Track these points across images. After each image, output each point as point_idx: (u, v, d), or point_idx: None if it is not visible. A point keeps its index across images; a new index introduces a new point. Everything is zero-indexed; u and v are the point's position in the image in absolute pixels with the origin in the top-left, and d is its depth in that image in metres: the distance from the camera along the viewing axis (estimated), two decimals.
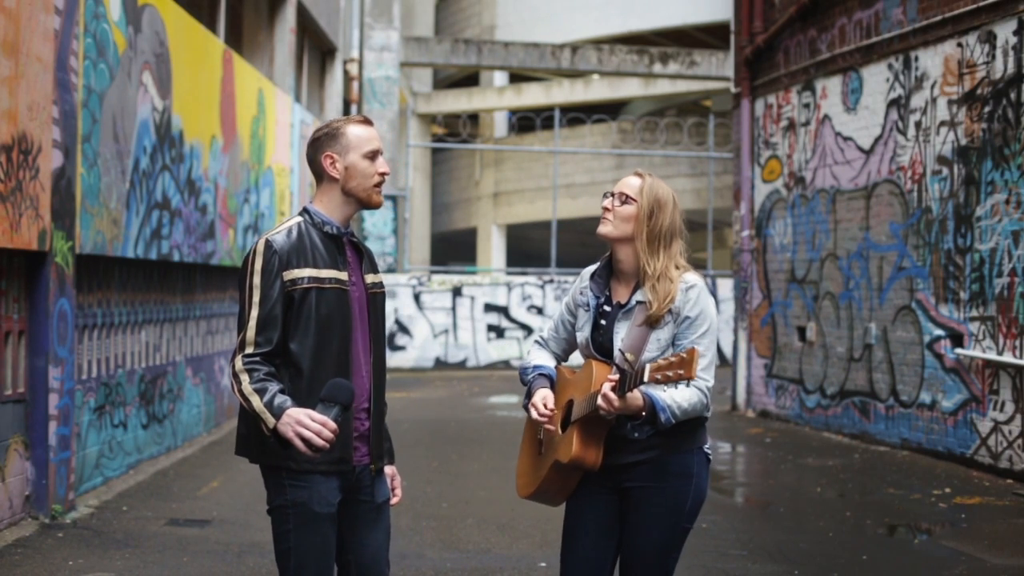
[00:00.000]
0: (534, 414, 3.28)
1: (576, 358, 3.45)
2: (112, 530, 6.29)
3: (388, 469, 3.31)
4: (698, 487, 3.26)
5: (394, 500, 3.32)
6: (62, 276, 6.50)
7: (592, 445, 3.18)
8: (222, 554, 5.81)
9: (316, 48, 16.39)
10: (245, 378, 3.02)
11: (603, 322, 3.31)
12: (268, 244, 3.08)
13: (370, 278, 3.26)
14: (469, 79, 27.46)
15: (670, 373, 2.91)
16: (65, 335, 6.56)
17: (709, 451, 3.35)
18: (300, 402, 3.00)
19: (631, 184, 3.32)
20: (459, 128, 20.79)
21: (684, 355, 2.90)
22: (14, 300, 6.22)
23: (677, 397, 3.12)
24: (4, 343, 6.13)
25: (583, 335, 3.35)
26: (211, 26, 10.92)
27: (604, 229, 3.32)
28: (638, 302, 3.25)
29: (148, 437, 8.49)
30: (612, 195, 3.33)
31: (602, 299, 3.34)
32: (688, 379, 2.90)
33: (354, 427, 3.14)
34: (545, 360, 3.48)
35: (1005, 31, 8.28)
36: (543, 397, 3.30)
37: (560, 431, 3.28)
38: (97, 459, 7.45)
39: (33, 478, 6.34)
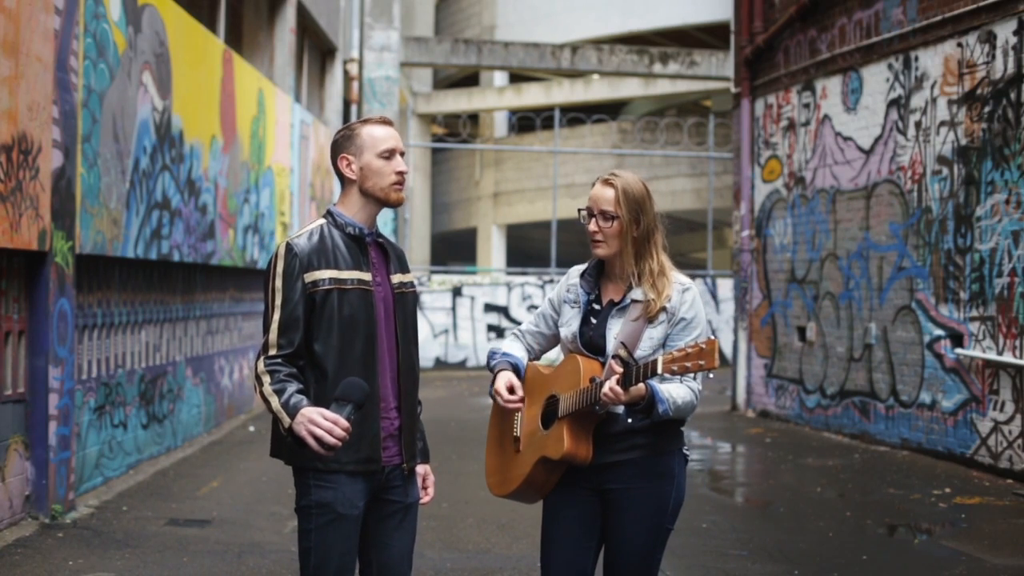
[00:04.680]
0: (500, 401, 3.30)
1: (549, 357, 3.44)
2: (112, 530, 6.29)
3: (420, 468, 3.32)
4: (679, 488, 3.28)
5: (425, 499, 3.33)
6: (62, 276, 6.50)
7: (583, 440, 3.18)
8: (222, 554, 5.81)
9: (316, 48, 16.38)
10: (267, 379, 3.04)
11: (593, 319, 3.31)
12: (289, 247, 3.12)
13: (397, 278, 3.26)
14: (469, 79, 27.45)
15: (688, 364, 2.91)
16: (65, 335, 6.56)
17: (687, 452, 3.37)
18: (326, 403, 3.01)
19: (607, 197, 3.25)
20: (459, 128, 20.80)
21: (703, 345, 2.89)
22: (14, 300, 6.22)
23: (674, 393, 3.13)
24: (4, 343, 6.13)
25: (569, 329, 3.33)
26: (211, 26, 10.92)
27: (600, 252, 3.28)
28: (633, 300, 3.25)
29: (148, 437, 8.49)
30: (593, 214, 3.27)
31: (592, 296, 3.33)
32: (711, 369, 2.89)
33: (383, 427, 3.15)
34: (516, 350, 3.48)
35: (1005, 31, 8.28)
36: (506, 381, 3.31)
37: (542, 427, 3.28)
38: (97, 459, 7.45)
39: (33, 478, 6.34)
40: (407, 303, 3.28)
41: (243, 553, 5.82)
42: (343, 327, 3.09)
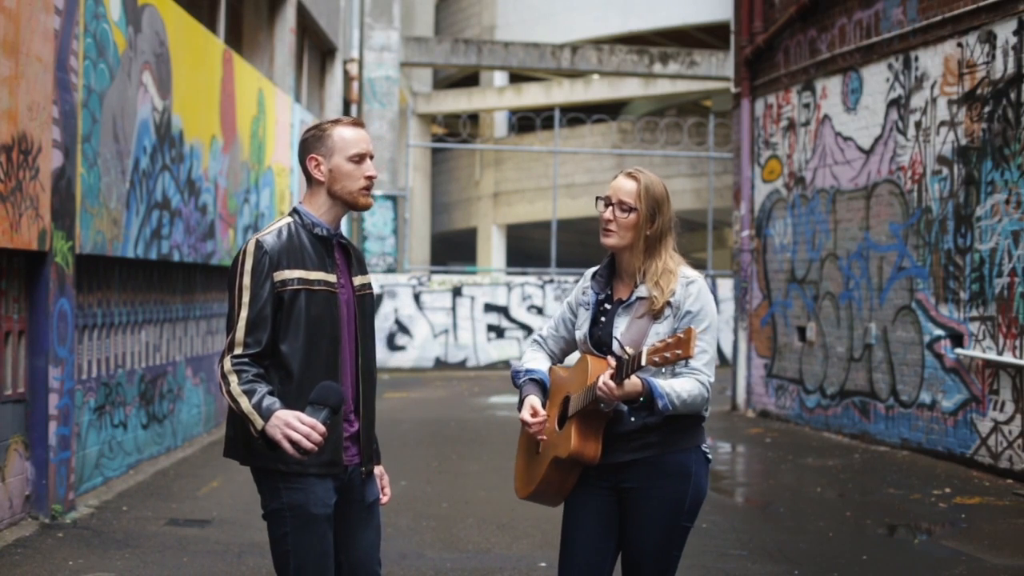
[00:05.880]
0: (527, 428, 3.28)
1: (573, 360, 3.44)
2: (112, 530, 6.29)
3: (377, 469, 3.30)
4: (696, 486, 3.25)
5: (384, 499, 3.31)
6: (62, 276, 6.50)
7: (591, 439, 3.17)
8: (222, 554, 5.80)
9: (316, 48, 16.39)
10: (234, 379, 3.00)
11: (603, 318, 3.31)
12: (259, 244, 3.07)
13: (358, 280, 3.24)
14: (469, 79, 27.46)
15: (667, 354, 2.91)
16: (65, 335, 6.56)
17: (708, 451, 3.34)
18: (289, 404, 2.98)
19: (628, 190, 3.26)
20: (459, 128, 20.81)
21: (681, 335, 2.90)
22: (14, 300, 6.22)
23: (677, 386, 3.12)
24: (4, 343, 6.13)
25: (581, 332, 3.35)
26: (211, 26, 10.92)
27: (610, 241, 3.28)
28: (639, 297, 3.25)
29: (148, 437, 8.49)
30: (610, 203, 3.29)
31: (603, 296, 3.34)
32: (687, 358, 2.89)
33: (344, 429, 3.13)
34: (539, 363, 3.46)
35: (1005, 31, 8.28)
36: (530, 407, 3.29)
37: (557, 428, 3.28)
38: (97, 459, 7.45)
39: (33, 478, 6.34)
40: (366, 305, 3.26)
41: (243, 553, 5.82)
42: (310, 329, 3.05)
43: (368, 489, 3.22)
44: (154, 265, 8.58)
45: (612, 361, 3.08)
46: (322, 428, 2.91)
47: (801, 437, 10.41)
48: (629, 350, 3.07)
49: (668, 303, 3.21)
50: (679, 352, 2.89)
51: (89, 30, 6.83)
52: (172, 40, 8.39)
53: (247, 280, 3.05)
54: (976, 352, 8.51)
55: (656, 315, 3.20)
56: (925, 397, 9.19)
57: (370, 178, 3.16)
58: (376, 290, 16.62)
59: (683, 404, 3.12)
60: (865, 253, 10.13)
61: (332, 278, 3.13)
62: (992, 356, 8.30)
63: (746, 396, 12.23)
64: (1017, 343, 8.09)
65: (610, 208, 3.28)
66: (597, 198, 3.34)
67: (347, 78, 18.07)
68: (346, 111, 18.40)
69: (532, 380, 3.38)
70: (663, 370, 3.15)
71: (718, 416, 11.98)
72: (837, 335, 10.55)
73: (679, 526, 3.25)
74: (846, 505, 7.35)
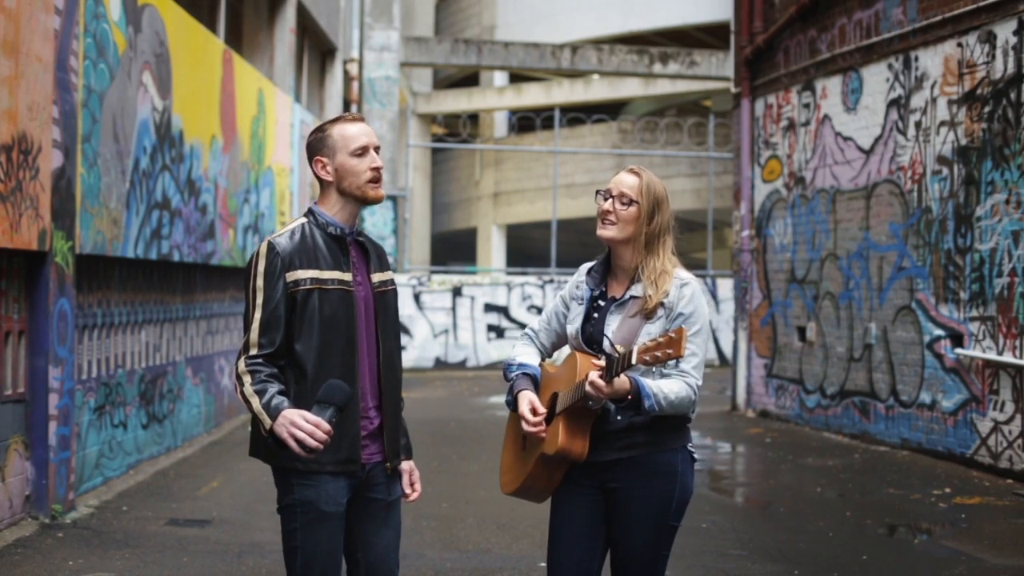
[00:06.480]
0: (526, 426, 3.25)
1: (562, 355, 3.44)
2: (112, 530, 6.30)
3: (405, 464, 3.31)
4: (683, 485, 3.27)
5: (413, 496, 3.32)
6: (62, 276, 6.50)
7: (578, 436, 3.18)
8: (222, 554, 5.81)
9: (316, 48, 16.39)
10: (247, 380, 3.04)
11: (595, 315, 3.31)
12: (271, 246, 3.11)
13: (377, 277, 3.26)
14: (469, 79, 27.46)
15: (658, 353, 2.91)
16: (65, 335, 6.56)
17: (693, 450, 3.34)
18: (306, 403, 3.01)
19: (630, 184, 3.27)
20: (459, 128, 20.80)
21: (672, 335, 2.90)
22: (14, 300, 6.22)
23: (664, 387, 3.12)
24: (4, 343, 6.13)
25: (573, 327, 3.35)
26: (211, 26, 10.92)
27: (608, 233, 3.28)
28: (632, 296, 3.25)
29: (148, 437, 8.49)
30: (610, 196, 3.29)
31: (597, 292, 3.34)
32: (677, 358, 2.89)
33: (362, 426, 3.15)
34: (530, 357, 3.45)
35: (1005, 31, 8.28)
36: (529, 402, 3.26)
37: (545, 425, 3.28)
38: (97, 459, 7.45)
39: (33, 478, 6.35)
40: (387, 302, 3.27)
41: (243, 553, 5.83)
42: (324, 328, 3.09)
43: (392, 487, 3.24)
44: (154, 265, 8.58)
45: (601, 359, 3.08)
46: (327, 426, 2.94)
47: (801, 437, 10.41)
48: (620, 348, 3.07)
49: (661, 304, 3.21)
50: (670, 352, 2.89)
51: (89, 30, 6.83)
52: (172, 40, 8.39)
53: (260, 282, 3.09)
54: (976, 352, 8.51)
55: (648, 315, 3.21)
56: (925, 397, 9.19)
57: (376, 169, 3.18)
58: None
59: (670, 405, 3.13)
60: (865, 253, 10.13)
61: (347, 277, 3.15)
62: (992, 356, 8.31)
63: (746, 396, 12.23)
64: (1017, 343, 8.09)
65: (610, 200, 3.28)
66: (597, 192, 3.34)
67: (347, 78, 18.07)
68: (346, 111, 18.39)
69: (525, 375, 3.37)
70: (652, 369, 3.16)
71: (718, 416, 11.98)
72: (837, 335, 10.55)
73: (666, 525, 3.26)
74: (846, 505, 7.35)
